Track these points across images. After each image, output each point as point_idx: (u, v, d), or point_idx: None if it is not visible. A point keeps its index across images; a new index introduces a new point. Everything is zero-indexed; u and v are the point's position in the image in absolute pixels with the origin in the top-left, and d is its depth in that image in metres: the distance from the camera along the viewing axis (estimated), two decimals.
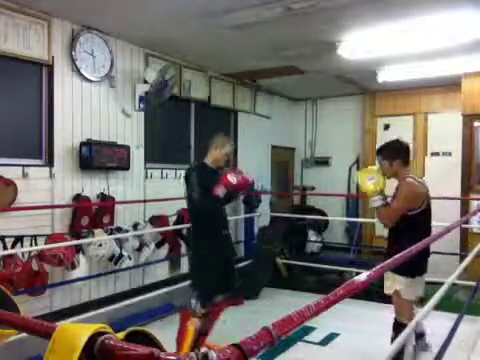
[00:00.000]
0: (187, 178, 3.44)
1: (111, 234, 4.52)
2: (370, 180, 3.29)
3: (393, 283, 3.29)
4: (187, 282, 4.98)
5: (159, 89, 4.95)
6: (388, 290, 3.37)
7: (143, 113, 5.13)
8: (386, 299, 5.33)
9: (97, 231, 4.39)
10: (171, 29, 4.47)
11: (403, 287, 3.23)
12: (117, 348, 0.78)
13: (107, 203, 4.58)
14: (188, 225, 5.37)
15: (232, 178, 3.34)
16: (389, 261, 1.59)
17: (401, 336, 3.17)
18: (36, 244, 3.84)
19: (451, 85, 6.53)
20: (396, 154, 3.30)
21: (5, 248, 3.63)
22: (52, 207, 4.15)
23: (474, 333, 3.15)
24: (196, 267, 3.51)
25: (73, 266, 4.01)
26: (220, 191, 3.31)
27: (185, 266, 5.54)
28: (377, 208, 3.27)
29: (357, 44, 4.77)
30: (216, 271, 3.38)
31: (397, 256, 1.70)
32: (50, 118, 4.21)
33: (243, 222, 6.58)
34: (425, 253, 3.21)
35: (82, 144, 4.37)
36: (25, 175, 3.92)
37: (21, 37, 3.90)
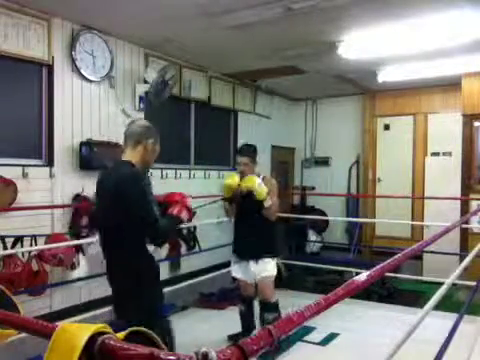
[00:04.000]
0: (122, 186, 2.26)
1: None
2: (260, 184, 3.58)
3: (274, 266, 3.79)
4: (187, 282, 5.02)
5: (159, 89, 4.95)
6: (270, 272, 3.75)
7: (143, 113, 5.13)
8: (386, 299, 5.36)
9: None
10: (171, 29, 4.47)
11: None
12: (117, 348, 0.78)
13: None
14: (188, 225, 5.39)
15: (188, 199, 2.46)
16: (390, 260, 1.59)
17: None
18: (36, 244, 3.84)
19: (451, 85, 6.54)
20: (256, 156, 3.83)
21: (5, 248, 3.63)
22: (52, 207, 4.14)
23: (474, 333, 3.15)
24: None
25: (73, 266, 4.01)
26: (184, 214, 2.35)
27: (185, 266, 5.57)
28: (269, 207, 3.65)
29: (357, 44, 4.77)
30: None
31: (392, 259, 1.70)
32: (50, 118, 4.21)
33: None
34: None
35: (82, 144, 4.37)
36: (25, 175, 3.92)
37: (21, 37, 3.90)
